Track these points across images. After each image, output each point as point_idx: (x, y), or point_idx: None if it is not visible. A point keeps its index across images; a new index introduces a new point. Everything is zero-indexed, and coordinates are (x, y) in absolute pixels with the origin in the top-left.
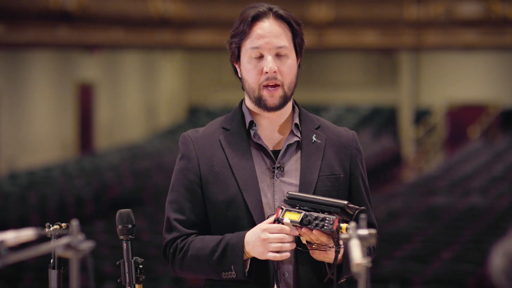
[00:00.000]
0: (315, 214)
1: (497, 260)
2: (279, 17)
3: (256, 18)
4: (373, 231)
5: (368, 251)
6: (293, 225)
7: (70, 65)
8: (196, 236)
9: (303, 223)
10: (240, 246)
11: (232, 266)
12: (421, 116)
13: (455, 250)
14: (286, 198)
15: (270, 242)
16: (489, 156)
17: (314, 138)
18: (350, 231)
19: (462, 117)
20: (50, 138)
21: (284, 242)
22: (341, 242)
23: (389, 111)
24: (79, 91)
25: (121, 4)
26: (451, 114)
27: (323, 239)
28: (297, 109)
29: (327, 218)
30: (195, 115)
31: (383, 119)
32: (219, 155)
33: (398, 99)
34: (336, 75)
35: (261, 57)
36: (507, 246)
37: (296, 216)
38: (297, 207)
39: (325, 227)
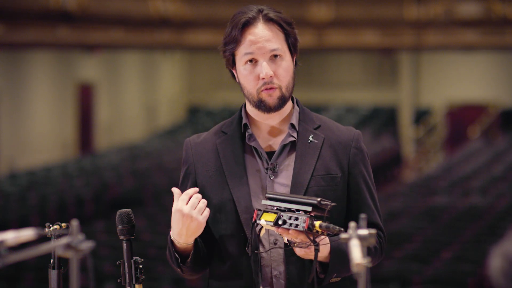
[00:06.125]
0: (290, 214)
1: (495, 261)
2: (269, 20)
3: (247, 24)
4: (373, 231)
5: (375, 253)
6: (271, 226)
7: (70, 65)
8: None
9: (277, 224)
10: (169, 238)
11: (173, 257)
12: (421, 116)
13: (455, 250)
14: (265, 199)
15: (194, 210)
16: (489, 156)
17: (310, 138)
18: (350, 231)
19: (462, 117)
20: (50, 138)
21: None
22: (319, 239)
23: (389, 111)
24: (79, 91)
25: (121, 4)
26: (451, 114)
27: (301, 237)
28: (297, 109)
29: (300, 217)
30: (195, 115)
31: (383, 119)
32: (214, 160)
33: (398, 99)
34: (336, 75)
35: (256, 62)
36: (505, 248)
37: (272, 217)
38: (276, 208)
39: (298, 226)
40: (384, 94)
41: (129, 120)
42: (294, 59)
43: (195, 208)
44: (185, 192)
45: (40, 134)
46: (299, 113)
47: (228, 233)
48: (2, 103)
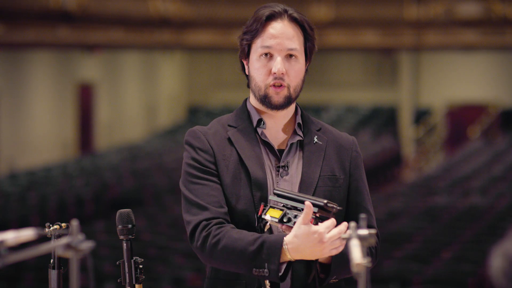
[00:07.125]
0: (295, 212)
1: (496, 261)
2: (293, 19)
3: (270, 17)
4: (373, 231)
5: (370, 254)
6: (275, 223)
7: (70, 65)
8: (229, 224)
9: (282, 221)
10: (278, 246)
11: (266, 264)
12: (421, 116)
13: (455, 250)
14: (273, 195)
15: (331, 243)
16: (489, 156)
17: (315, 139)
18: (350, 231)
19: (462, 117)
20: (50, 138)
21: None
22: None
23: (389, 111)
24: (79, 91)
25: (121, 4)
26: (451, 114)
27: None
28: (299, 111)
29: None
30: (195, 115)
31: (383, 119)
32: (230, 150)
33: (398, 99)
34: (336, 75)
35: (271, 57)
36: (506, 247)
37: (278, 214)
38: (282, 205)
39: None
40: (384, 94)
41: (129, 120)
42: (307, 66)
43: (332, 243)
44: (336, 227)
45: (40, 134)
46: (301, 115)
47: (242, 226)
48: (2, 103)
